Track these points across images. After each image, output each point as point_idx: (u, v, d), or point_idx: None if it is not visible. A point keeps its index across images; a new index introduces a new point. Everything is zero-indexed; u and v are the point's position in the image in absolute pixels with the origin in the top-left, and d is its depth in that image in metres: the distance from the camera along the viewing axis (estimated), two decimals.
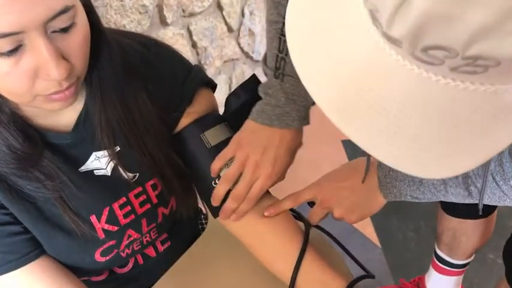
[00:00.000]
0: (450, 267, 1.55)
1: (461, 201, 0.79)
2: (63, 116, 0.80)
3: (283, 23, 0.72)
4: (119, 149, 0.85)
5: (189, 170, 0.93)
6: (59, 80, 0.64)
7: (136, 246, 0.92)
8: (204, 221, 1.20)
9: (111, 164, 0.85)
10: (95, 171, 0.84)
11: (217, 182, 0.91)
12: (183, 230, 1.05)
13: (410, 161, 0.39)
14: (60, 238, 0.82)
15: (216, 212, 0.93)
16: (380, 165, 0.85)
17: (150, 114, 0.85)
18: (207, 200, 0.94)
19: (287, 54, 0.85)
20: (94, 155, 0.84)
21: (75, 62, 0.66)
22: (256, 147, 0.88)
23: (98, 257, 0.86)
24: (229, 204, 0.89)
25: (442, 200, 0.82)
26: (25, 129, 0.74)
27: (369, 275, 0.92)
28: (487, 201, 0.76)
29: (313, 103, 0.91)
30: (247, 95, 0.97)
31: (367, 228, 2.06)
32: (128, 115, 0.83)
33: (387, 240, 2.02)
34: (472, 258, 1.55)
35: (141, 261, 0.98)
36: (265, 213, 0.91)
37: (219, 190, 0.90)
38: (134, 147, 0.85)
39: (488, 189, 0.74)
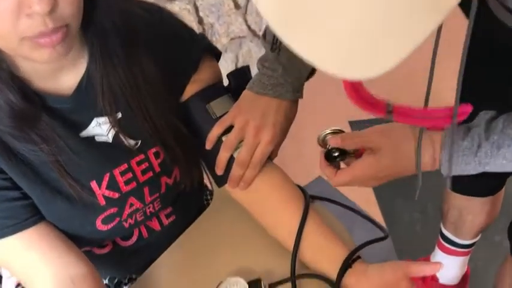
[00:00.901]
0: (456, 247, 1.54)
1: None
2: (63, 79, 0.79)
3: None
4: (120, 115, 0.84)
5: (194, 140, 0.93)
6: (42, 13, 0.61)
7: (140, 217, 0.91)
8: (209, 197, 1.19)
9: (113, 131, 0.84)
10: (96, 137, 0.83)
11: None
12: (188, 204, 1.04)
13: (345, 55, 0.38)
14: (59, 203, 0.81)
15: (220, 181, 0.93)
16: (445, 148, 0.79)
17: (154, 80, 0.84)
18: (212, 171, 0.94)
19: None
20: (95, 120, 0.83)
21: (61, 1, 0.64)
22: (255, 113, 0.90)
23: (99, 224, 0.85)
24: (235, 171, 0.90)
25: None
26: (24, 90, 0.73)
27: (381, 238, 0.91)
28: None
29: (307, 77, 0.91)
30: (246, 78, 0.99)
31: (373, 209, 2.04)
32: (131, 80, 0.82)
33: (393, 221, 2.01)
34: (478, 238, 1.54)
35: (145, 234, 0.97)
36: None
37: (221, 157, 0.90)
38: (136, 113, 0.84)
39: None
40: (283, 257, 0.88)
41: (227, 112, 0.92)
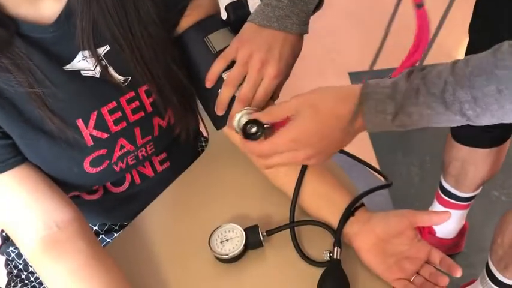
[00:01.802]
0: (456, 200, 1.53)
1: (457, 125, 0.73)
2: (44, 7, 0.74)
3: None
4: (108, 48, 0.79)
5: (190, 79, 0.88)
6: None
7: (131, 161, 0.87)
8: (204, 144, 1.16)
9: (100, 65, 0.79)
10: (82, 72, 0.79)
11: None
12: (183, 151, 1.01)
13: None
14: (43, 142, 0.77)
15: (219, 122, 0.87)
16: (366, 99, 0.74)
17: (145, 12, 0.79)
18: (211, 111, 0.88)
19: None
20: (81, 53, 0.78)
21: None
22: (260, 45, 0.82)
23: (87, 166, 0.81)
24: (236, 108, 0.82)
25: (436, 126, 0.74)
26: None
27: (384, 185, 0.89)
28: (484, 122, 0.69)
29: (314, 10, 0.85)
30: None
31: (371, 162, 2.01)
32: (119, 11, 0.76)
33: (391, 175, 1.98)
34: (478, 191, 1.53)
35: (138, 180, 0.94)
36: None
37: (223, 94, 0.83)
38: (124, 47, 0.79)
39: (488, 112, 0.67)
40: (282, 204, 0.86)
41: (228, 46, 0.84)
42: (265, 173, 0.89)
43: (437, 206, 1.59)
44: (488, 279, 1.34)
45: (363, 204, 0.82)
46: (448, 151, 1.45)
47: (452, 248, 1.68)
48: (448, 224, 1.60)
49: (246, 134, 0.76)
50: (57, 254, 0.75)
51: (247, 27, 0.85)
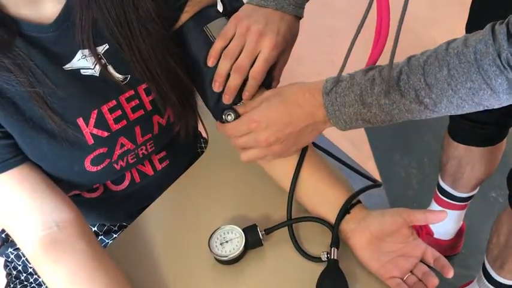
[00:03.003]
0: (453, 200, 1.54)
1: (418, 117, 0.74)
2: (44, 6, 0.75)
3: None
4: (107, 47, 0.79)
5: (190, 76, 0.88)
6: None
7: (132, 159, 0.88)
8: (203, 146, 1.16)
9: (99, 64, 0.80)
10: (81, 71, 0.79)
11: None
12: (182, 150, 1.01)
13: None
14: (44, 142, 0.77)
15: (219, 114, 0.86)
16: (327, 93, 0.77)
17: (146, 12, 0.79)
18: (211, 104, 0.88)
19: None
20: (80, 52, 0.78)
21: None
22: (258, 19, 0.83)
23: (88, 165, 0.82)
24: (233, 80, 0.83)
25: (398, 121, 0.75)
26: None
27: (375, 184, 0.89)
28: (444, 111, 0.70)
29: None
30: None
31: (369, 163, 2.02)
32: (119, 12, 0.77)
33: (389, 176, 1.99)
34: (475, 192, 1.53)
35: (137, 179, 0.94)
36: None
37: (221, 68, 0.83)
38: (123, 46, 0.79)
39: (444, 99, 0.68)
40: (279, 202, 0.86)
41: None
42: (266, 169, 0.90)
43: (435, 207, 1.59)
44: (484, 279, 1.34)
45: (359, 202, 0.83)
46: (445, 150, 1.46)
47: (449, 249, 1.68)
48: (445, 224, 1.61)
49: (223, 120, 0.84)
50: (57, 254, 0.74)
51: (245, 7, 0.87)
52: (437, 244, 1.63)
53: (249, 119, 0.80)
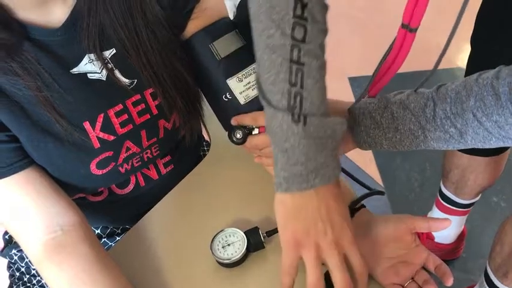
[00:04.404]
0: (455, 206, 1.53)
1: (444, 147, 0.72)
2: (52, 10, 0.75)
3: (293, 45, 0.61)
4: (114, 51, 0.80)
5: (197, 83, 0.89)
6: None
7: (137, 163, 0.88)
8: (206, 149, 1.16)
9: (106, 68, 0.80)
10: (88, 75, 0.79)
11: (228, 96, 0.84)
12: (186, 155, 1.01)
13: None
14: (51, 145, 0.77)
15: (228, 128, 0.86)
16: (353, 111, 0.78)
17: (153, 18, 0.79)
18: (219, 115, 0.89)
19: (302, 86, 0.63)
20: (88, 57, 0.78)
21: None
22: (318, 230, 0.65)
23: (93, 169, 0.82)
24: None
25: (423, 147, 0.73)
26: (5, 18, 0.69)
27: (378, 191, 0.89)
28: (471, 143, 0.69)
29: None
30: None
31: (370, 167, 2.02)
32: (127, 18, 0.77)
33: (390, 180, 1.99)
34: (478, 198, 1.52)
35: (142, 182, 0.94)
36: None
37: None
38: (130, 51, 0.80)
39: (470, 129, 0.67)
40: None
41: (232, 52, 0.84)
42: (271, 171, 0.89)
43: (436, 212, 1.58)
44: (487, 286, 1.34)
45: (363, 206, 0.82)
46: (448, 158, 1.44)
47: (450, 253, 1.68)
48: (446, 229, 1.58)
49: (232, 140, 0.84)
50: (61, 258, 0.75)
51: (283, 206, 0.68)
52: (438, 248, 1.63)
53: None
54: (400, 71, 0.74)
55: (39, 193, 0.76)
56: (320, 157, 0.64)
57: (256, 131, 0.84)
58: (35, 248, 0.75)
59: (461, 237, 1.67)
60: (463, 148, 0.71)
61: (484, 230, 1.78)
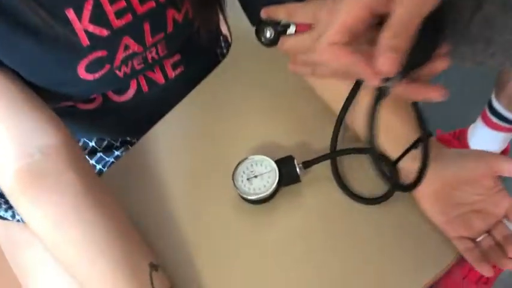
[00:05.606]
0: (503, 121, 1.42)
1: None
2: None
3: None
4: None
5: None
6: None
7: (138, 65, 0.75)
8: (224, 51, 1.02)
9: None
10: None
11: None
12: (200, 54, 0.88)
13: None
14: (27, 42, 0.63)
15: (256, 23, 0.68)
16: None
17: None
18: (244, 2, 0.75)
19: None
20: None
21: None
22: None
23: (82, 72, 0.68)
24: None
25: None
26: None
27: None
28: None
29: None
30: None
31: None
32: None
33: None
34: None
35: (145, 88, 0.82)
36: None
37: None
38: None
39: None
40: (322, 130, 0.73)
41: None
42: (314, 86, 0.75)
43: (480, 125, 1.49)
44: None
45: (431, 134, 0.65)
46: (507, 69, 1.30)
47: None
48: (490, 144, 1.51)
49: (260, 39, 0.66)
50: (39, 191, 0.61)
51: None
52: None
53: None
54: None
55: (7, 105, 0.63)
56: None
57: (292, 29, 0.65)
58: (6, 179, 0.62)
59: (504, 153, 1.57)
60: None
61: None
